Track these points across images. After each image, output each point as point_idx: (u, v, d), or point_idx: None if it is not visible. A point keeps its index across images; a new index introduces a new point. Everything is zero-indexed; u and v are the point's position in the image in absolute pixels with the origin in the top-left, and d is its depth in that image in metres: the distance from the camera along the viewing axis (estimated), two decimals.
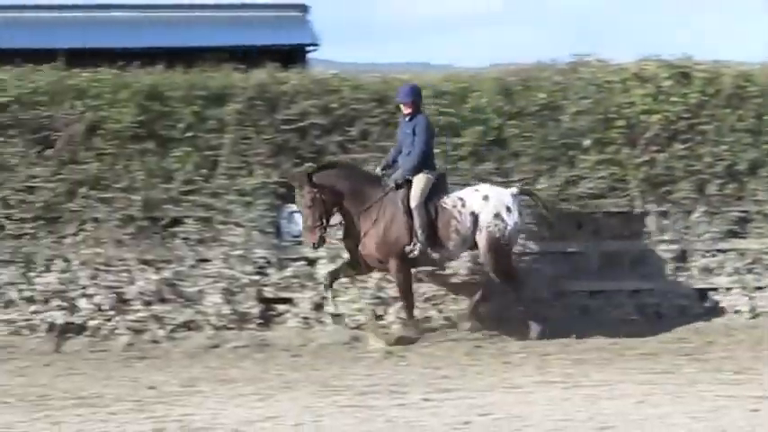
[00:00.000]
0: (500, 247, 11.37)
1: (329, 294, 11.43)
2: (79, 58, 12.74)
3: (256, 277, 11.83)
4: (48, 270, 11.64)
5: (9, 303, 11.61)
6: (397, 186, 11.38)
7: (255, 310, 11.80)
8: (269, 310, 11.89)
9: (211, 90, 12.03)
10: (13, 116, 11.71)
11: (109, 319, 11.65)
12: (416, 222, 11.20)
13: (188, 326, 11.71)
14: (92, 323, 11.63)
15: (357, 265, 11.48)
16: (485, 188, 11.52)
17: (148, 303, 11.71)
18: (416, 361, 10.63)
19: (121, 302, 11.68)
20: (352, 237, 11.36)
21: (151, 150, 11.91)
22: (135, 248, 11.80)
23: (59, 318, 11.57)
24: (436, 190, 11.36)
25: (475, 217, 11.27)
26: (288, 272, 11.88)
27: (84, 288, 11.68)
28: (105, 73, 12.08)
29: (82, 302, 11.65)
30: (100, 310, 11.66)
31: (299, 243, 11.74)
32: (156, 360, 11.04)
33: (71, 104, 11.89)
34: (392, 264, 11.29)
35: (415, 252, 11.20)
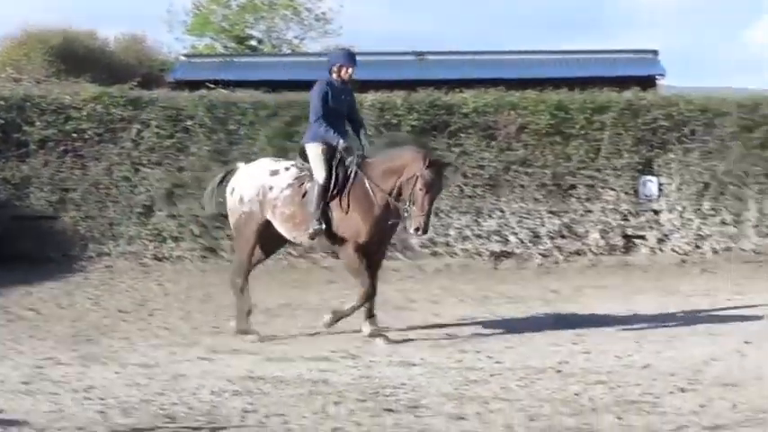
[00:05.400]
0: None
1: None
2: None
3: (622, 222, 16.76)
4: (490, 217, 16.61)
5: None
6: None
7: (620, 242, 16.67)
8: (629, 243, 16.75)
9: (597, 103, 16.89)
10: None
11: (528, 249, 16.67)
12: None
13: (577, 252, 16.63)
14: (517, 251, 16.66)
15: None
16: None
17: (552, 238, 16.72)
18: None
19: (536, 238, 16.78)
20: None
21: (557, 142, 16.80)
22: (545, 203, 16.76)
23: (497, 248, 16.63)
24: None
25: None
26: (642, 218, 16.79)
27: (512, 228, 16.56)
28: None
29: (511, 238, 16.74)
30: (522, 242, 16.69)
31: (650, 200, 16.42)
32: (553, 274, 15.60)
33: None
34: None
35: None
